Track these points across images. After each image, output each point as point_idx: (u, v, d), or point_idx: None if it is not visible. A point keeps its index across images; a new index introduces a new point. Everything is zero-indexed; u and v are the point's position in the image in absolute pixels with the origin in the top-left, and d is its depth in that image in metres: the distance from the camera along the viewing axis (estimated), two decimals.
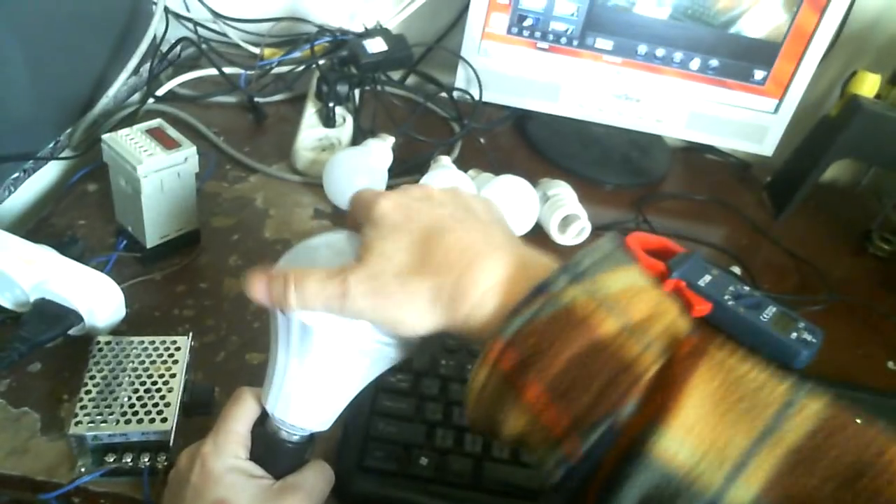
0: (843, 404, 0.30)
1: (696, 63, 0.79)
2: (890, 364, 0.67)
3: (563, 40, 0.79)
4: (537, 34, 0.79)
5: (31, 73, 0.61)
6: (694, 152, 0.96)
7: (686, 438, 0.29)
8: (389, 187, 0.70)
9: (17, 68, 0.60)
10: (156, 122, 0.57)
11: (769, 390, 0.30)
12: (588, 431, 0.30)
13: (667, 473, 0.29)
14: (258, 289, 0.36)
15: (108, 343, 0.47)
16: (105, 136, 0.55)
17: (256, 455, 0.40)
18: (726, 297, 0.68)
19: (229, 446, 0.39)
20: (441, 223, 0.35)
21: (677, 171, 0.92)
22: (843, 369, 0.65)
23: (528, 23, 0.78)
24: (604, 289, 0.32)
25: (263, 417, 0.41)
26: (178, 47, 0.84)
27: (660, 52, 0.79)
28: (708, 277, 0.69)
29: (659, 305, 0.32)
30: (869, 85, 0.77)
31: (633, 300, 0.32)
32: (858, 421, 0.29)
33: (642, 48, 0.79)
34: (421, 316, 0.34)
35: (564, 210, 0.69)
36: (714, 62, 0.79)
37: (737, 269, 0.76)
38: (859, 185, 0.95)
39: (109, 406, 0.44)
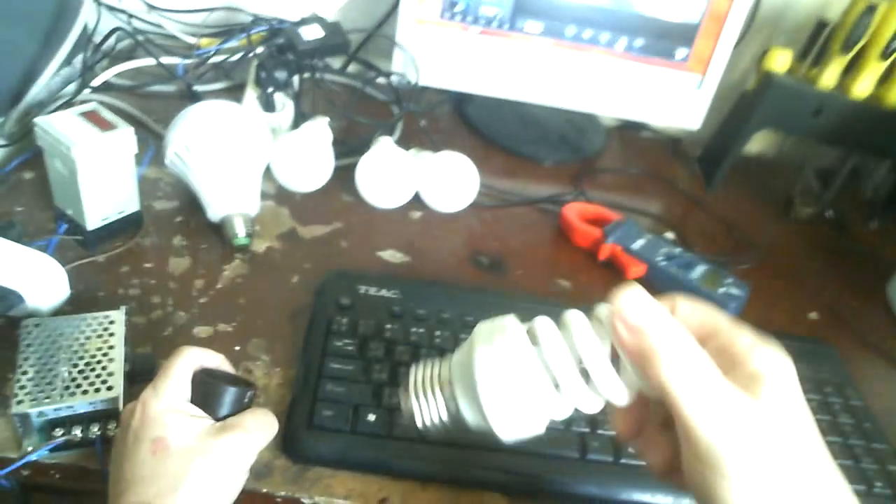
0: None
1: (622, 44, 0.83)
2: (811, 315, 0.72)
3: (494, 24, 0.81)
4: (469, 18, 0.81)
5: None
6: (628, 130, 1.00)
7: None
8: (337, 168, 0.72)
9: None
10: (91, 106, 0.57)
11: None
12: None
13: None
14: None
15: (37, 325, 0.47)
16: (38, 120, 0.55)
17: (197, 400, 0.41)
18: (659, 259, 0.71)
19: (169, 390, 0.40)
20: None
21: (614, 148, 0.96)
22: (770, 320, 0.69)
23: (459, 8, 0.80)
24: None
25: (209, 369, 0.42)
26: (114, 39, 0.83)
27: (587, 33, 0.82)
28: (641, 241, 0.73)
29: None
30: (781, 61, 0.82)
31: None
32: None
33: (570, 30, 0.82)
34: None
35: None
36: (639, 42, 0.83)
37: (670, 235, 0.80)
38: (781, 154, 1.00)
39: (50, 382, 0.44)
